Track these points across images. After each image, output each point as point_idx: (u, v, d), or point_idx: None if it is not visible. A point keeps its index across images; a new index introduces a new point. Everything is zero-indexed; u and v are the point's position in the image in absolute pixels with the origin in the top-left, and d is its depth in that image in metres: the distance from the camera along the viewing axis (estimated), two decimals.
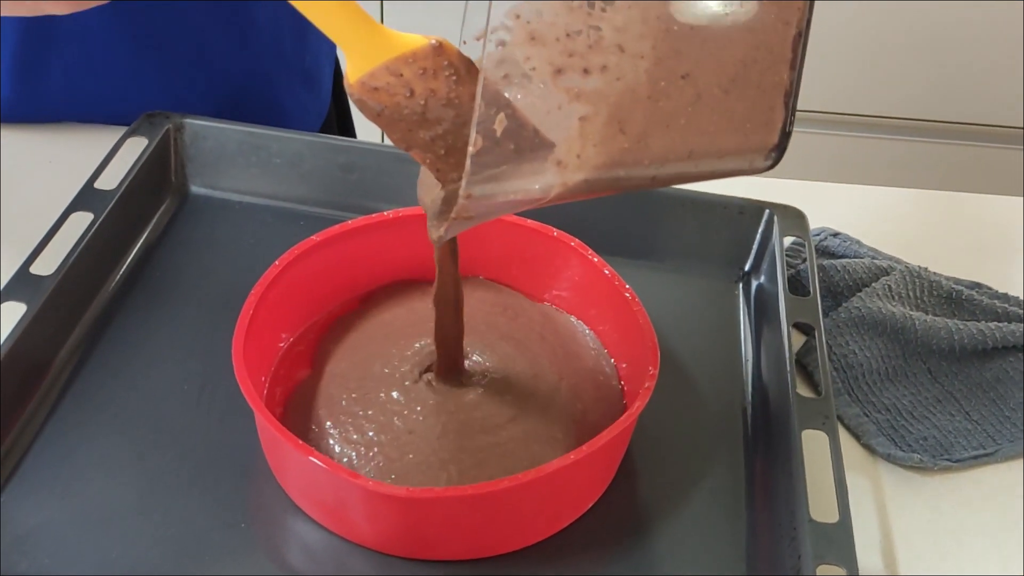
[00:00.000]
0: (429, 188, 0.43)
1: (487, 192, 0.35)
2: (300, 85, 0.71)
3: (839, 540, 0.40)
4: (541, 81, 0.33)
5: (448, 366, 0.46)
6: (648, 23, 0.33)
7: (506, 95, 0.33)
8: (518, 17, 0.33)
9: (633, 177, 0.36)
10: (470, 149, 0.34)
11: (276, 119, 0.70)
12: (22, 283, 0.47)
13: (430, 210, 0.42)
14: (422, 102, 0.38)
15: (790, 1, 0.34)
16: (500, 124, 0.34)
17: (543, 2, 0.33)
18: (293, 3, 0.37)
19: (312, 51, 0.72)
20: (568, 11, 0.33)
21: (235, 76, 0.67)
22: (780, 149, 0.37)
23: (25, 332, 0.45)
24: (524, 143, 0.34)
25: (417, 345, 0.49)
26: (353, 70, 0.38)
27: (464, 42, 0.35)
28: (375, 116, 0.39)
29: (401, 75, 0.38)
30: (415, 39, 0.38)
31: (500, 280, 0.54)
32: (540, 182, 0.35)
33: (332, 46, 0.77)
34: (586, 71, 0.33)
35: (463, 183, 0.34)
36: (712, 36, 0.34)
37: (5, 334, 0.45)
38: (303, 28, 0.70)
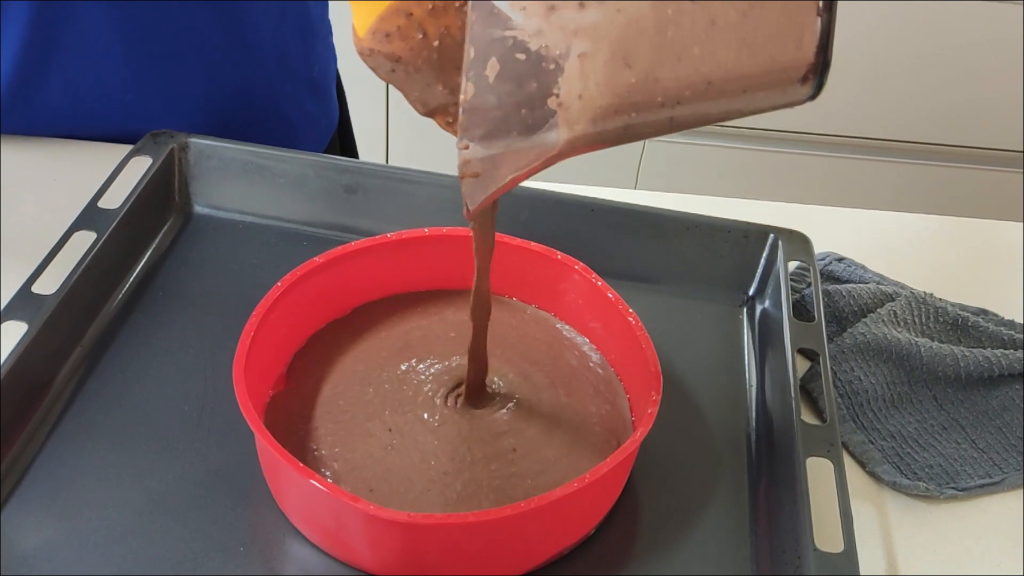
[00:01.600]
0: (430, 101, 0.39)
1: (489, 142, 0.32)
2: (307, 96, 0.71)
3: (844, 570, 0.40)
4: (534, 19, 0.31)
5: (478, 383, 0.46)
6: None
7: (498, 35, 0.31)
8: None
9: (647, 120, 0.32)
10: (461, 97, 0.32)
11: (283, 130, 0.70)
12: (24, 302, 0.47)
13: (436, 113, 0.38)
14: (436, 43, 0.35)
15: None
16: (492, 69, 0.31)
17: None
18: None
19: (319, 62, 0.71)
20: None
21: (240, 88, 0.66)
22: (818, 71, 0.31)
23: (26, 351, 0.45)
24: (521, 87, 0.32)
25: (422, 366, 0.48)
26: (361, 20, 0.35)
27: None
28: (389, 73, 0.36)
29: (411, 14, 0.35)
30: None
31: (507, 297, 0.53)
32: (544, 127, 0.32)
33: (332, 60, 0.77)
34: (582, 5, 0.31)
35: (458, 138, 0.32)
36: None
37: (6, 353, 0.45)
38: (309, 38, 0.70)
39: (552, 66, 0.31)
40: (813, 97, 0.31)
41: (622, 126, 0.32)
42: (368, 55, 0.36)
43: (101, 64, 0.62)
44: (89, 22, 0.60)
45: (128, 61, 0.63)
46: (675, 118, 0.32)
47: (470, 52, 0.31)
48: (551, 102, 0.32)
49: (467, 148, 0.33)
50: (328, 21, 0.74)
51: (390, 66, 0.36)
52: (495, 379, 0.48)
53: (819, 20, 0.30)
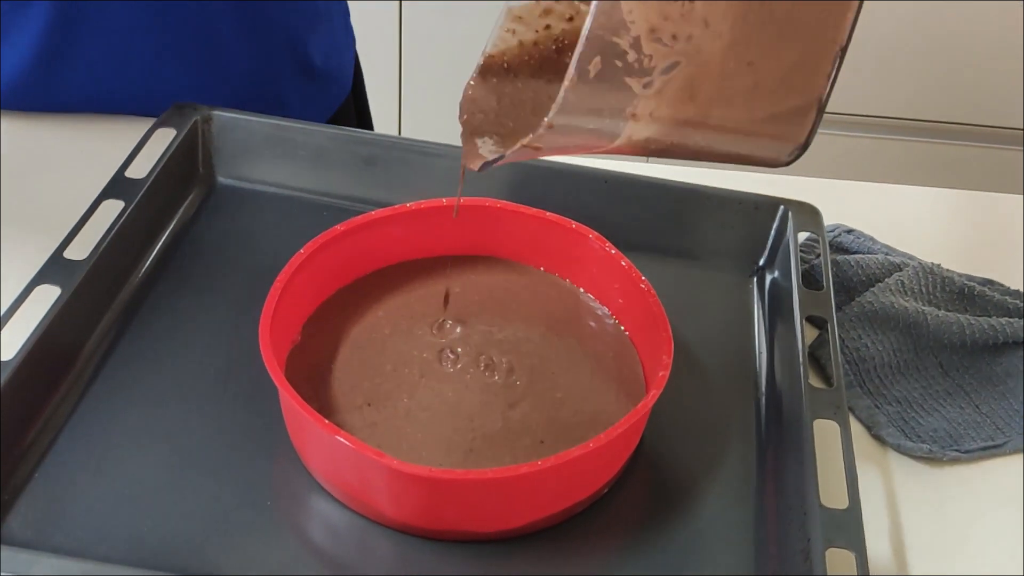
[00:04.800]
0: (483, 111, 0.44)
1: (566, 124, 0.37)
2: (306, 80, 0.72)
3: (849, 525, 0.41)
4: (636, 36, 0.36)
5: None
6: (732, 6, 0.37)
7: (608, 39, 0.36)
8: None
9: (684, 145, 0.40)
10: (565, 83, 0.36)
11: (278, 113, 0.71)
12: (57, 267, 0.48)
13: (476, 133, 0.43)
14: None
15: (840, 21, 0.39)
16: (595, 67, 0.36)
17: None
18: None
19: (323, 47, 0.72)
20: None
21: (243, 71, 0.68)
22: (804, 147, 0.41)
23: (59, 314, 0.47)
24: (609, 89, 0.37)
25: (441, 327, 0.50)
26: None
27: None
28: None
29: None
30: None
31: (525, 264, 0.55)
32: (612, 128, 0.38)
33: (351, 41, 0.78)
34: (675, 37, 0.36)
35: (550, 113, 0.36)
36: (777, 34, 0.38)
37: (41, 316, 0.46)
38: (315, 23, 0.71)
39: (636, 81, 0.37)
40: (791, 163, 0.42)
41: (666, 143, 0.40)
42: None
43: (124, 44, 0.64)
44: (116, 6, 0.62)
45: (149, 44, 0.64)
46: (702, 150, 0.41)
47: (582, 46, 0.36)
48: (627, 110, 0.38)
49: (551, 127, 0.37)
50: (345, 3, 0.75)
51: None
52: (513, 336, 0.50)
53: (816, 113, 0.40)
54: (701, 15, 0.36)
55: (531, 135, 0.37)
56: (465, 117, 0.44)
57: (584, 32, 0.35)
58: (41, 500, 0.43)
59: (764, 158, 0.42)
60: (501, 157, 0.40)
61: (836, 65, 0.40)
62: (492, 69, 0.45)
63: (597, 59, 0.36)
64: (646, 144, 0.39)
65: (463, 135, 0.43)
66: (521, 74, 0.45)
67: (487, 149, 0.42)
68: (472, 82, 0.44)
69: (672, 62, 0.37)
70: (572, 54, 0.35)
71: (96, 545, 0.42)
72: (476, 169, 0.41)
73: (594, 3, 0.35)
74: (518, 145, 0.38)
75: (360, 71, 0.82)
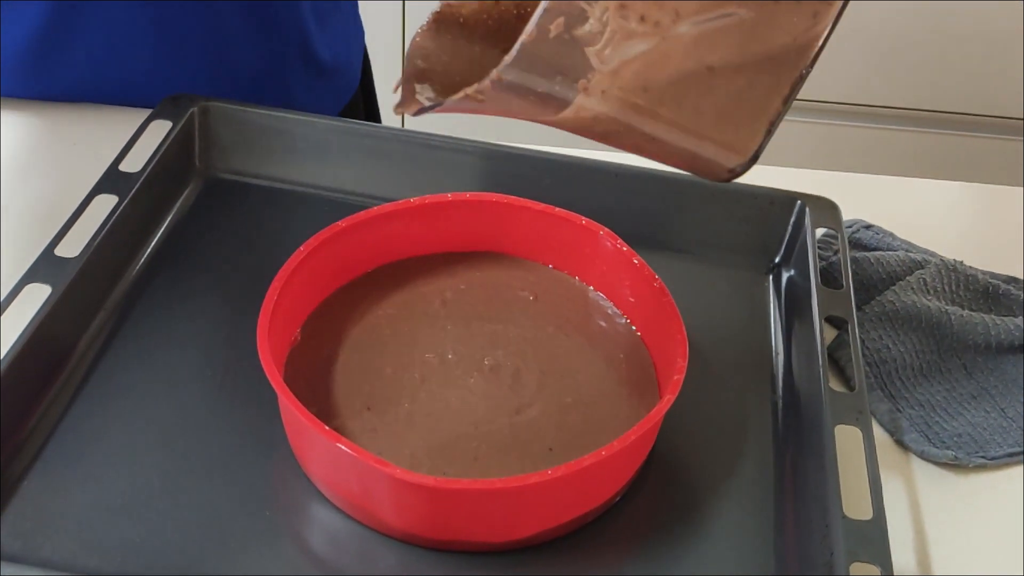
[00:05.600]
0: (429, 59, 0.43)
1: (515, 81, 0.36)
2: (315, 76, 0.71)
3: (873, 537, 0.40)
4: (605, 6, 0.35)
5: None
6: (704, 5, 0.36)
7: (576, 3, 0.35)
8: None
9: (630, 133, 0.39)
10: (523, 38, 0.35)
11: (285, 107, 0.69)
12: (47, 265, 0.47)
13: (418, 79, 0.42)
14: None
15: (806, 47, 0.38)
16: (557, 27, 0.35)
17: None
18: None
19: (332, 42, 0.71)
20: None
21: (251, 65, 0.66)
22: (751, 161, 0.41)
23: (50, 314, 0.45)
24: (566, 54, 0.35)
25: (445, 327, 0.48)
26: None
27: None
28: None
29: None
30: None
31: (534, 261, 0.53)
32: (561, 95, 0.37)
33: (359, 35, 0.76)
34: (643, 18, 0.35)
35: (501, 65, 0.35)
36: (742, 46, 0.37)
37: (30, 316, 0.44)
38: (324, 17, 0.69)
39: (598, 54, 0.36)
40: (729, 180, 0.41)
41: (610, 128, 0.39)
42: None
43: (123, 38, 0.62)
44: None
45: (149, 35, 0.63)
46: (643, 147, 0.40)
47: (545, 2, 0.35)
48: (580, 83, 0.36)
49: (499, 80, 0.36)
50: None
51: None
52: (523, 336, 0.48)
53: (765, 133, 0.39)
54: (673, 5, 0.36)
55: (476, 85, 0.36)
56: (409, 64, 0.42)
57: None
58: (30, 509, 0.41)
59: (707, 164, 0.41)
60: (440, 104, 0.38)
61: (794, 89, 0.39)
62: (447, 21, 0.43)
63: (561, 20, 0.35)
64: (592, 123, 0.38)
65: (403, 78, 0.42)
66: (476, 33, 0.43)
67: (426, 96, 0.41)
68: (422, 28, 0.43)
69: (634, 44, 0.36)
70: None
71: (88, 556, 0.40)
72: (411, 114, 0.39)
73: None
74: (461, 93, 0.37)
75: (369, 65, 0.80)
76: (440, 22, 0.43)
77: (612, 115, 0.38)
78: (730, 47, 0.37)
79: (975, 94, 1.44)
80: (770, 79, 0.39)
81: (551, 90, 0.36)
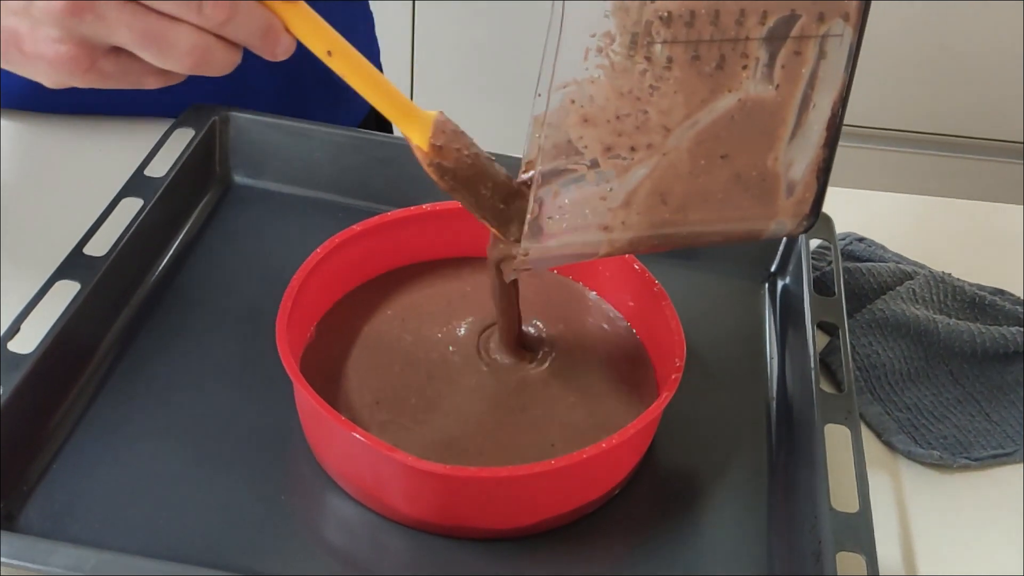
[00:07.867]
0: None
1: (542, 248, 0.39)
2: (332, 97, 0.72)
3: (859, 529, 0.41)
4: (593, 157, 0.37)
5: (508, 341, 0.49)
6: (692, 108, 0.37)
7: (561, 166, 0.37)
8: (572, 102, 0.36)
9: (671, 240, 0.41)
10: (528, 216, 0.37)
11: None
12: (76, 263, 0.49)
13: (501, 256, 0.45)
14: (469, 155, 0.41)
15: (830, 89, 0.38)
16: (555, 196, 0.37)
17: (595, 89, 0.36)
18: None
19: None
20: (618, 96, 0.37)
21: (266, 85, 0.68)
22: (812, 219, 0.42)
23: (78, 310, 0.47)
24: (577, 212, 0.38)
25: (460, 325, 0.50)
26: (418, 138, 0.41)
27: (539, 95, 0.37)
28: (452, 183, 0.42)
29: (446, 131, 0.41)
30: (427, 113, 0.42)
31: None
32: (589, 244, 0.40)
33: (375, 55, 0.78)
34: (633, 148, 0.37)
35: (522, 242, 0.38)
36: (748, 123, 0.38)
37: (60, 310, 0.47)
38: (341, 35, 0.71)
39: (603, 198, 0.38)
40: (806, 230, 0.43)
41: (653, 246, 0.41)
42: (431, 163, 0.42)
43: None
44: None
45: None
46: (697, 242, 0.43)
47: (538, 178, 0.37)
48: (601, 229, 0.39)
49: (527, 254, 0.39)
50: (370, 13, 0.76)
51: (450, 174, 0.41)
52: (531, 327, 0.50)
53: (817, 183, 0.41)
54: (658, 123, 0.37)
55: (513, 264, 0.40)
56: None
57: (536, 169, 0.37)
58: (59, 491, 0.44)
59: (773, 232, 0.42)
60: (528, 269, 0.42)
61: (831, 131, 0.39)
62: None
63: (555, 187, 0.37)
64: (632, 247, 0.41)
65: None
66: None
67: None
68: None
69: (635, 172, 0.37)
70: None
71: (113, 536, 0.42)
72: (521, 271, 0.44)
73: (542, 139, 0.36)
74: (511, 269, 0.41)
75: None
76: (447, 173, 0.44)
77: (644, 235, 0.40)
78: (733, 133, 0.38)
79: (972, 116, 1.46)
80: (801, 139, 0.39)
81: (578, 241, 0.39)
